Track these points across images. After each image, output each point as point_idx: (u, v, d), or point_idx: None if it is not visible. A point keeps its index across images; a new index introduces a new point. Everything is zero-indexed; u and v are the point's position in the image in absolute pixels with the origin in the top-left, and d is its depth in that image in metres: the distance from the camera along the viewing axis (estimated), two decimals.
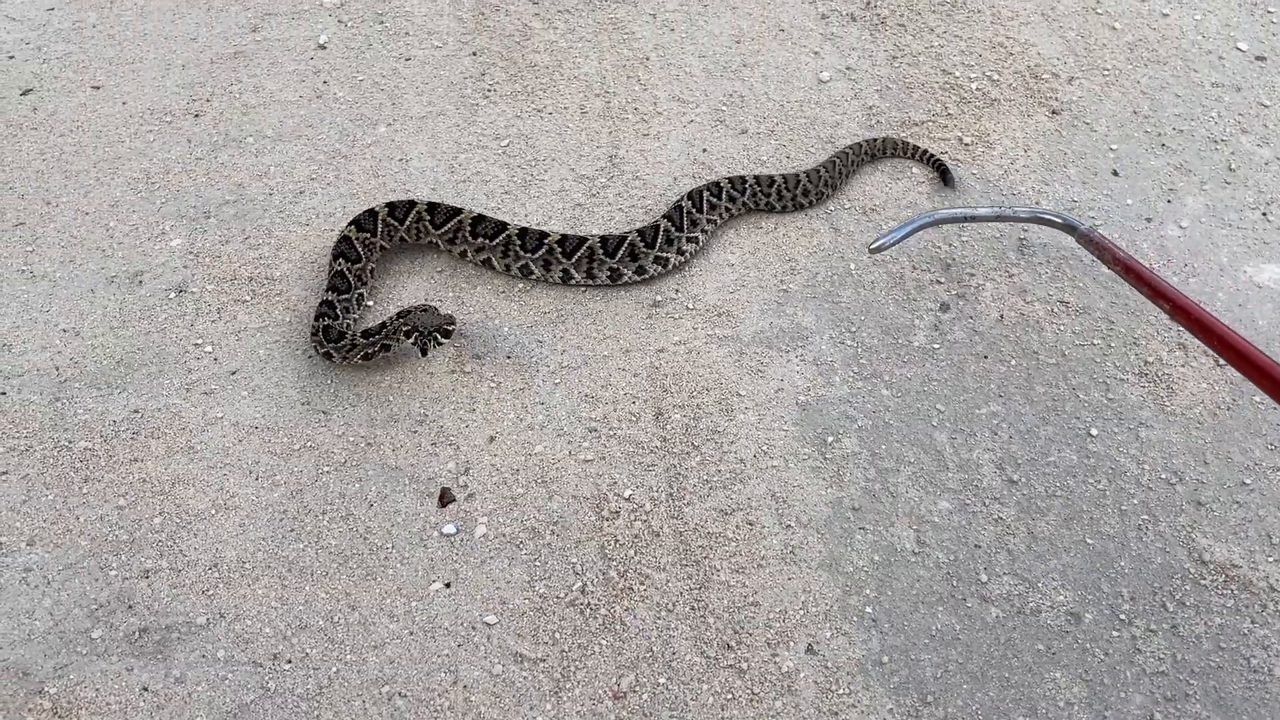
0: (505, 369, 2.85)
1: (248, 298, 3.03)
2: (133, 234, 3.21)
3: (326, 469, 2.63)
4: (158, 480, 2.59)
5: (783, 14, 4.10)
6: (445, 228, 3.07)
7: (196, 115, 3.64)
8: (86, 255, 3.14)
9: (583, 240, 3.00)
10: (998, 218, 3.00)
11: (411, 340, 2.69)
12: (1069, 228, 2.87)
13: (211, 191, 3.35)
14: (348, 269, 2.95)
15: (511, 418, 2.74)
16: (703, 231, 3.15)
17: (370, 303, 3.03)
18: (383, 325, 2.79)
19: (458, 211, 3.08)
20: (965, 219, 3.00)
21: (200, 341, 2.91)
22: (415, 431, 2.71)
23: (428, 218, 3.08)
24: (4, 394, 2.78)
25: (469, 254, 3.09)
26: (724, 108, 3.69)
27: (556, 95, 3.74)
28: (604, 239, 3.01)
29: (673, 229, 3.05)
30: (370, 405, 2.77)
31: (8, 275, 3.08)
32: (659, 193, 3.37)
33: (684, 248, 3.10)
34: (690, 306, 3.02)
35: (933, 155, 3.42)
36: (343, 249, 2.98)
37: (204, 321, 2.96)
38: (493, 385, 2.82)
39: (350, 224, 3.05)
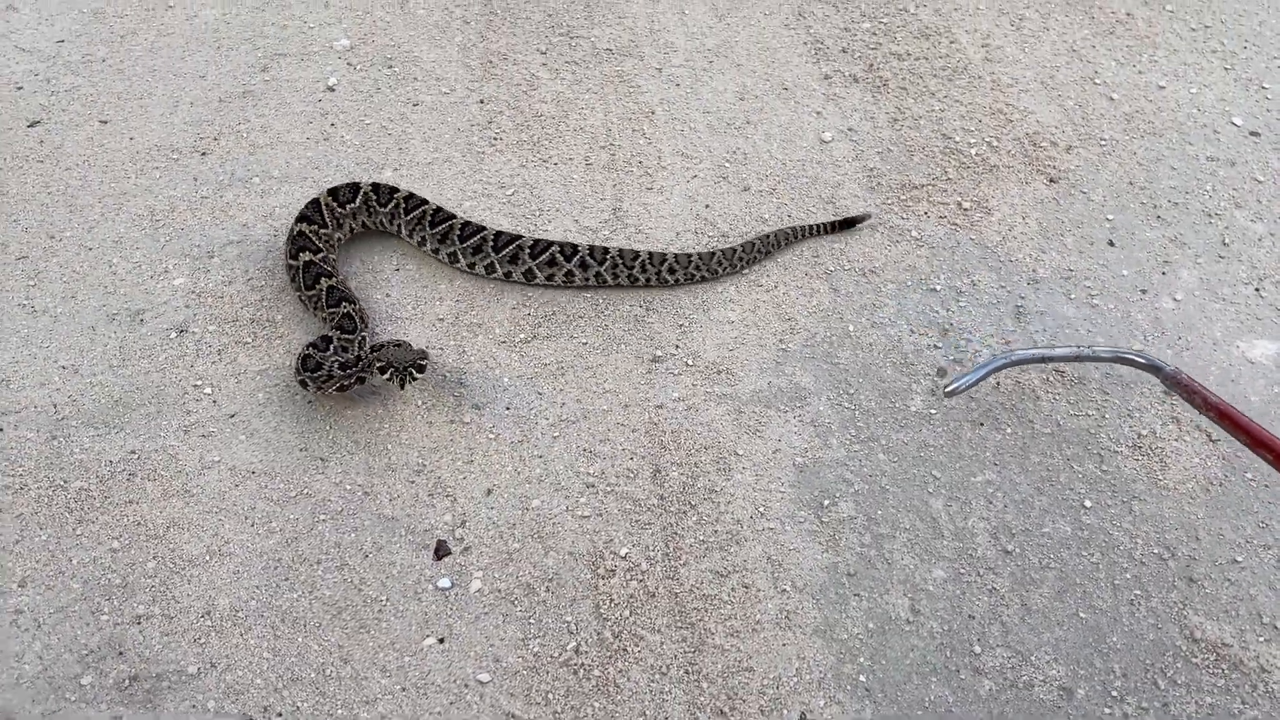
0: (504, 420, 2.86)
1: (249, 340, 3.03)
2: (135, 272, 3.21)
3: (323, 517, 2.62)
4: (153, 524, 2.58)
5: (786, 74, 4.16)
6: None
7: (204, 153, 3.66)
8: (88, 292, 3.15)
9: (515, 238, 3.17)
10: (1076, 358, 2.81)
11: (387, 376, 2.72)
12: (1153, 369, 2.70)
13: (216, 231, 3.36)
14: (353, 310, 2.96)
15: (509, 470, 2.74)
16: (629, 276, 3.21)
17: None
18: (358, 359, 2.81)
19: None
20: (1042, 359, 2.82)
21: (200, 383, 2.91)
22: (413, 481, 2.71)
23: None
24: (0, 430, 2.76)
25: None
26: (727, 164, 3.74)
27: (562, 146, 3.78)
28: (535, 241, 3.19)
29: (592, 259, 3.17)
30: (368, 453, 2.77)
31: (8, 309, 3.08)
32: (661, 246, 3.39)
33: (601, 275, 3.20)
34: (689, 363, 3.04)
35: (826, 223, 3.44)
36: (343, 292, 3.00)
37: (204, 363, 2.96)
38: (491, 437, 2.82)
39: (322, 276, 3.04)
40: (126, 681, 2.29)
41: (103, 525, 2.57)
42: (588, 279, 3.19)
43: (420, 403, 2.90)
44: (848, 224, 3.45)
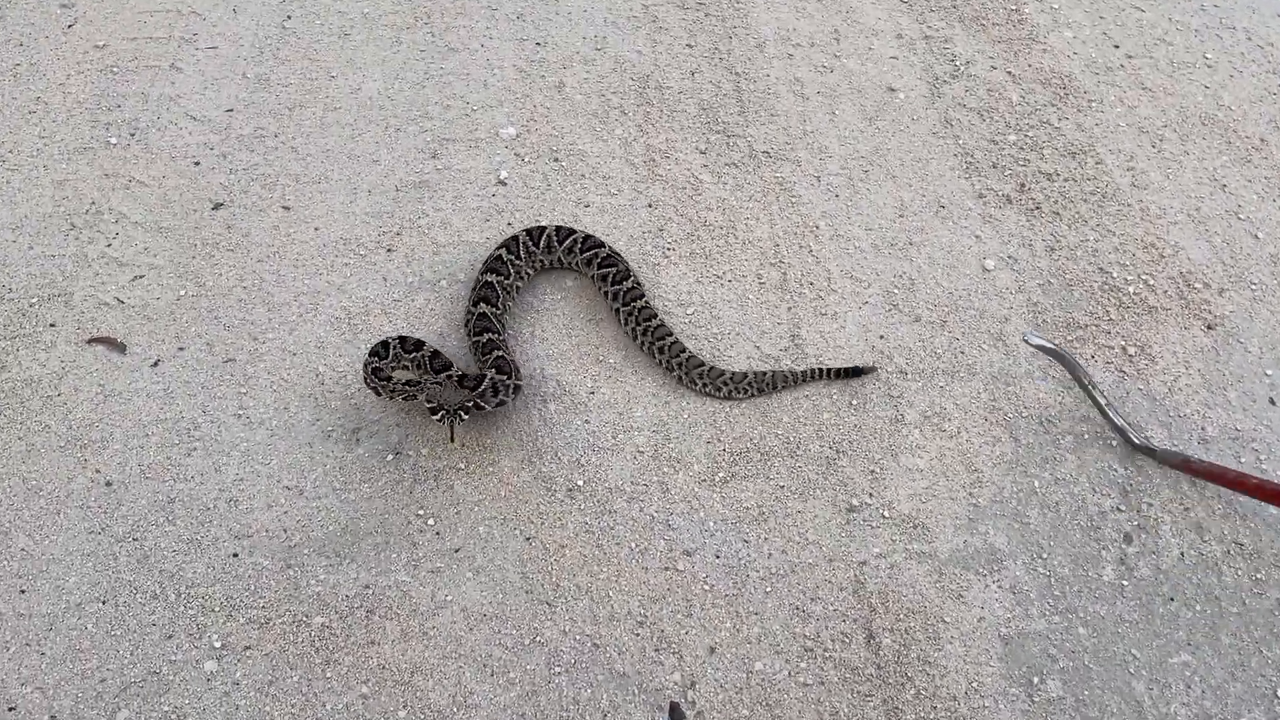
0: (716, 570, 2.96)
1: (462, 465, 3.12)
2: (342, 383, 3.29)
3: (558, 669, 2.72)
4: (396, 668, 2.68)
5: (941, 189, 4.24)
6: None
7: (389, 250, 3.72)
8: (300, 404, 3.22)
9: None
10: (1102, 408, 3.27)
11: (438, 417, 2.93)
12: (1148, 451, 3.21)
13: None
14: (494, 375, 3.12)
15: (728, 627, 2.84)
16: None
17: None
18: (418, 382, 3.06)
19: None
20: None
21: (421, 512, 2.99)
22: (637, 633, 2.81)
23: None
24: (236, 556, 2.85)
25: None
26: (895, 290, 3.82)
27: (733, 261, 3.85)
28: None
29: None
30: (591, 599, 2.87)
31: (225, 420, 3.15)
32: (843, 383, 3.48)
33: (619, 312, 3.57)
34: (885, 515, 3.14)
35: (831, 370, 3.45)
36: (497, 350, 3.23)
37: (422, 488, 3.05)
38: (706, 588, 2.92)
39: (487, 330, 3.32)
40: None
41: (349, 667, 2.66)
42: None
43: (633, 545, 2.99)
44: (850, 371, 3.48)
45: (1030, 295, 3.86)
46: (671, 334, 3.44)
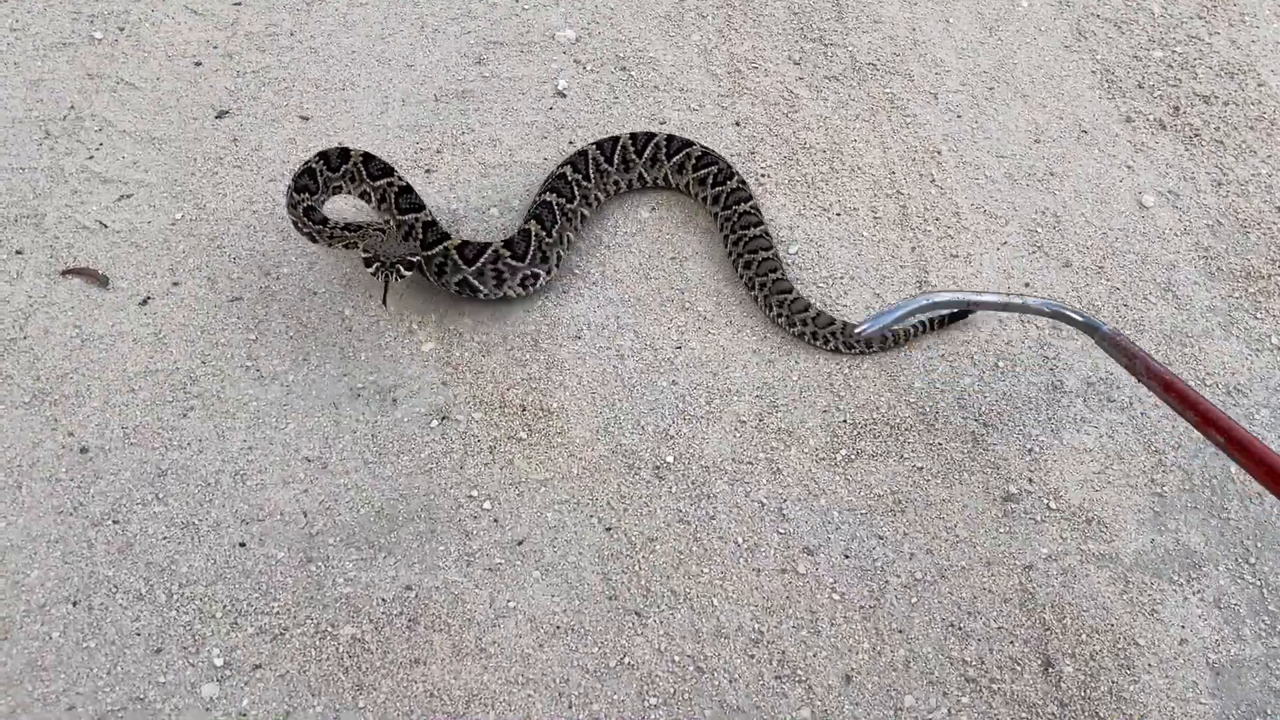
0: (845, 574, 2.35)
1: (523, 434, 2.50)
2: (374, 330, 2.67)
3: (652, 699, 2.12)
4: (448, 695, 2.08)
5: (1080, 110, 3.56)
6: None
7: (428, 171, 3.08)
8: (323, 354, 2.60)
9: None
10: (1004, 306, 2.51)
11: (373, 270, 2.40)
12: (1090, 328, 2.43)
13: None
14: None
15: (867, 649, 2.23)
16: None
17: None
18: (360, 226, 2.55)
19: None
20: (966, 304, 2.56)
21: (475, 494, 2.39)
22: (752, 654, 2.20)
23: None
24: (243, 545, 2.25)
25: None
26: (1038, 229, 3.16)
27: (841, 191, 3.20)
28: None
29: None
30: (691, 610, 2.26)
31: (230, 372, 2.54)
32: (984, 338, 2.85)
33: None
34: (1051, 506, 2.52)
35: (941, 318, 2.84)
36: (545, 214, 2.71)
37: (475, 463, 2.44)
38: (834, 596, 2.31)
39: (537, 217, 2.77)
40: None
41: (388, 694, 2.07)
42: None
43: (740, 539, 2.38)
44: (955, 316, 2.86)
45: (1198, 238, 3.19)
46: (770, 247, 2.82)
